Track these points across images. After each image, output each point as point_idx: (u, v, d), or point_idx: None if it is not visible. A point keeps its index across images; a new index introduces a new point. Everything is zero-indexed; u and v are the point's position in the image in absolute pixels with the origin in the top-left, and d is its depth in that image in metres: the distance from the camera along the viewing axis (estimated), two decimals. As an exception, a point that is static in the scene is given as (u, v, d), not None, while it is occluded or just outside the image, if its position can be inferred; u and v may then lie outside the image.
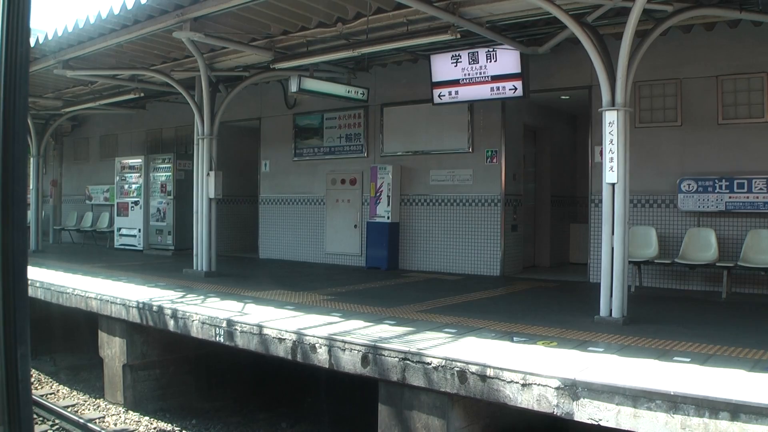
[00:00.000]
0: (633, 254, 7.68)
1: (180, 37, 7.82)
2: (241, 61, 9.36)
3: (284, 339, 5.61)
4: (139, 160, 14.16)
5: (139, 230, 13.94)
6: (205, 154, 9.34)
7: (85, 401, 7.67)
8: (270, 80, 11.24)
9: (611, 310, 5.97)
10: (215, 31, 8.02)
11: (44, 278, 9.06)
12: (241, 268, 11.01)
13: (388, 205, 10.46)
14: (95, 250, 14.59)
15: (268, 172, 12.73)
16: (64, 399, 7.82)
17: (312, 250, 11.93)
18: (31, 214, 13.73)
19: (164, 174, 13.69)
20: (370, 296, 7.68)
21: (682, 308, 7.18)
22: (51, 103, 12.90)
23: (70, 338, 9.91)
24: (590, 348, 4.83)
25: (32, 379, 8.69)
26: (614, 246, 6.06)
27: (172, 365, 7.78)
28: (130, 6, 7.47)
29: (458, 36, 7.22)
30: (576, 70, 9.11)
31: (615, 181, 6.04)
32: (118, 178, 14.63)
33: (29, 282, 8.75)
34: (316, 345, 5.36)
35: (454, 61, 8.85)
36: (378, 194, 10.54)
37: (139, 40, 8.59)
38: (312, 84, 9.02)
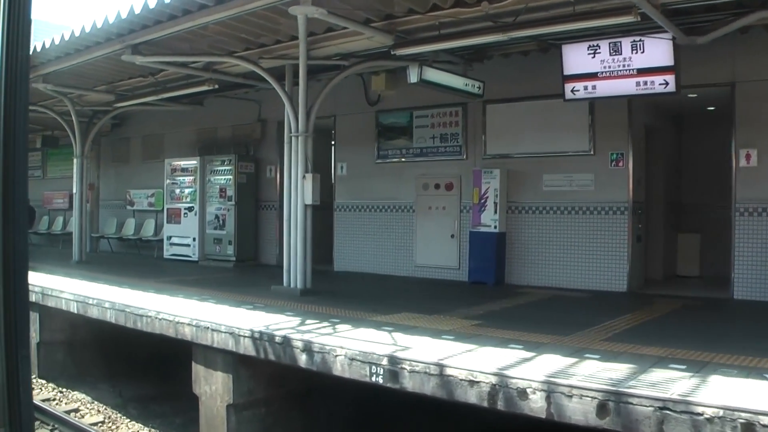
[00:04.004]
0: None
1: (295, 13, 6.66)
2: (342, 47, 8.19)
3: (478, 382, 4.48)
4: (194, 162, 12.81)
5: (194, 239, 12.55)
6: (300, 153, 8.16)
7: (178, 445, 6.51)
8: (362, 72, 10.03)
9: None
10: (330, 8, 6.88)
11: (112, 297, 7.86)
12: (329, 283, 9.73)
13: (495, 212, 9.28)
14: (144, 261, 13.26)
15: (345, 175, 11.48)
16: (151, 443, 6.64)
17: (398, 262, 10.71)
18: (74, 221, 12.44)
19: (224, 177, 12.35)
20: (519, 319, 6.52)
21: None
22: (102, 97, 11.65)
23: (129, 363, 8.79)
24: None
25: (102, 417, 7.54)
26: None
27: (277, 402, 6.64)
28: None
29: (639, 18, 6.13)
30: (714, 66, 8.17)
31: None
32: (168, 181, 13.26)
33: (94, 302, 7.76)
34: (528, 390, 4.26)
35: (591, 51, 7.72)
36: (483, 201, 9.35)
37: (230, 19, 7.40)
38: (434, 75, 7.80)
